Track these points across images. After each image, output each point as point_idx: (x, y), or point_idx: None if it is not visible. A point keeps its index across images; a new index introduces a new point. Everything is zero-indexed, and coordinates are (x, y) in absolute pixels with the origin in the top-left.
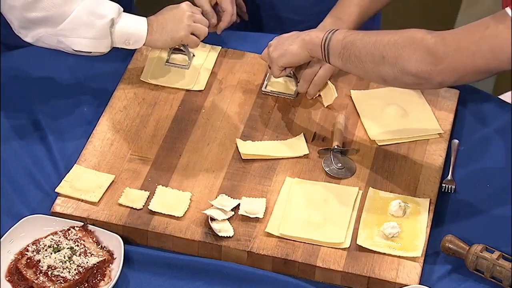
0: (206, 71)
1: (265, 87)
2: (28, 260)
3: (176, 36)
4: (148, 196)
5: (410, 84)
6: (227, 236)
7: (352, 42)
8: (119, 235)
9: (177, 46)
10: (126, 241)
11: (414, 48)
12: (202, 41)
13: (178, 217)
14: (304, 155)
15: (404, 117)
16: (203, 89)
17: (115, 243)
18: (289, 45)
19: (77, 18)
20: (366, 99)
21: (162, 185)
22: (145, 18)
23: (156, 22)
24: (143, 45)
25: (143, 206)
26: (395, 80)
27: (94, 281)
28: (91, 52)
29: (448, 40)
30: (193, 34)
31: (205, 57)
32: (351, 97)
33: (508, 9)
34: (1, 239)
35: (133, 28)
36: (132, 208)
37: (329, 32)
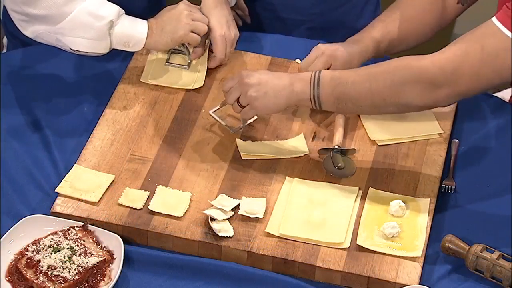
0: (204, 67)
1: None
2: (28, 260)
3: (175, 36)
4: (148, 196)
5: (418, 111)
6: (227, 236)
7: (344, 93)
8: (119, 235)
9: (177, 47)
10: (126, 241)
11: (414, 83)
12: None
13: (178, 217)
14: (304, 155)
15: (404, 117)
16: (202, 85)
17: (115, 243)
18: (274, 98)
19: (76, 18)
20: None
21: (162, 185)
22: (146, 21)
23: (156, 24)
24: (144, 47)
25: (143, 206)
26: (401, 112)
27: (94, 281)
28: (87, 52)
29: (446, 68)
30: (193, 32)
31: (204, 57)
32: None
33: (496, 21)
34: (1, 239)
35: (132, 31)
36: (132, 208)
37: (314, 84)
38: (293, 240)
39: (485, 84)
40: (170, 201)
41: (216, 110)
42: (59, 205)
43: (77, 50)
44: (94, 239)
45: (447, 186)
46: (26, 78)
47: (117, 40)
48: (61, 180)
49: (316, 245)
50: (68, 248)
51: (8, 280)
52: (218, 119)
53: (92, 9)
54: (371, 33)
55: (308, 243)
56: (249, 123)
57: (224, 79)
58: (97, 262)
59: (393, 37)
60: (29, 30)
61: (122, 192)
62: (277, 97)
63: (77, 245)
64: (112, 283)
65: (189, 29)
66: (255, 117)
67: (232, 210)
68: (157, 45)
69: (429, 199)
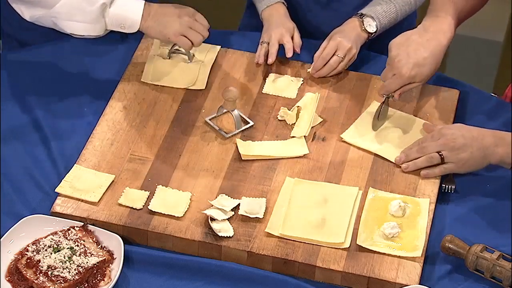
0: (206, 70)
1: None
2: (28, 260)
3: (164, 31)
4: (148, 196)
5: None
6: (227, 236)
7: None
8: (119, 235)
9: (177, 47)
10: (126, 241)
11: None
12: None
13: (178, 217)
14: (304, 155)
15: (406, 134)
16: (203, 88)
17: (115, 243)
18: (481, 159)
19: (69, 2)
20: (358, 134)
21: (162, 185)
22: (143, 2)
23: (155, 10)
24: (139, 29)
25: (143, 206)
26: None
27: (94, 281)
28: (84, 35)
29: None
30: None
31: (204, 56)
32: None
33: None
34: (1, 239)
35: (127, 12)
36: (132, 208)
37: None
38: (293, 240)
39: None
40: (170, 201)
41: (213, 117)
42: (59, 205)
43: (73, 34)
44: (94, 239)
45: (447, 186)
46: (27, 78)
47: (111, 21)
48: (61, 180)
49: (316, 245)
50: (68, 248)
51: (8, 280)
52: (213, 125)
53: None
54: (448, 12)
55: (308, 243)
56: (243, 129)
57: (224, 79)
58: (97, 262)
59: (462, 13)
60: (28, 15)
61: (122, 192)
62: (482, 160)
63: (77, 245)
64: (112, 283)
65: (181, 32)
66: (251, 123)
67: (232, 210)
68: (150, 31)
69: (429, 199)
